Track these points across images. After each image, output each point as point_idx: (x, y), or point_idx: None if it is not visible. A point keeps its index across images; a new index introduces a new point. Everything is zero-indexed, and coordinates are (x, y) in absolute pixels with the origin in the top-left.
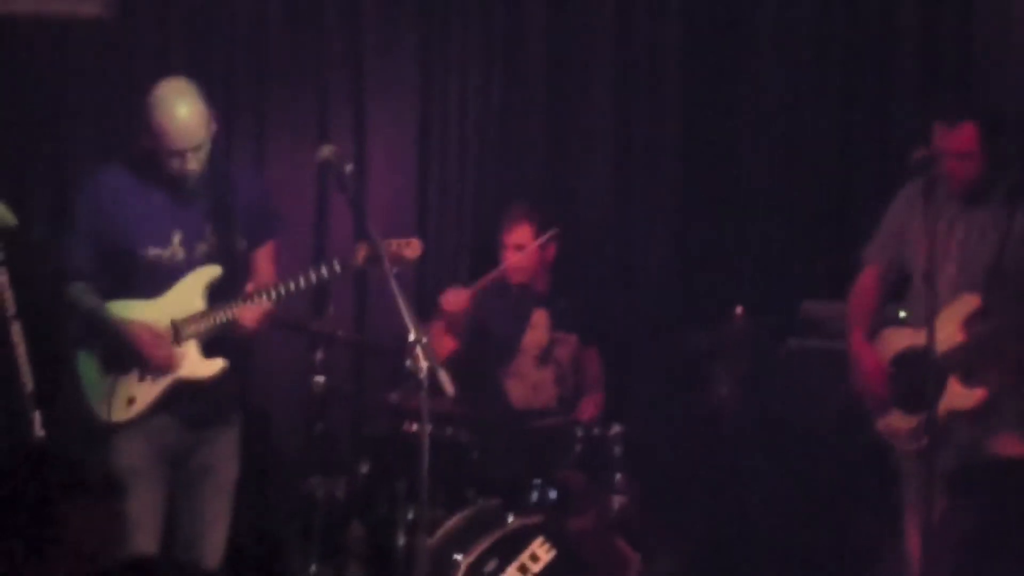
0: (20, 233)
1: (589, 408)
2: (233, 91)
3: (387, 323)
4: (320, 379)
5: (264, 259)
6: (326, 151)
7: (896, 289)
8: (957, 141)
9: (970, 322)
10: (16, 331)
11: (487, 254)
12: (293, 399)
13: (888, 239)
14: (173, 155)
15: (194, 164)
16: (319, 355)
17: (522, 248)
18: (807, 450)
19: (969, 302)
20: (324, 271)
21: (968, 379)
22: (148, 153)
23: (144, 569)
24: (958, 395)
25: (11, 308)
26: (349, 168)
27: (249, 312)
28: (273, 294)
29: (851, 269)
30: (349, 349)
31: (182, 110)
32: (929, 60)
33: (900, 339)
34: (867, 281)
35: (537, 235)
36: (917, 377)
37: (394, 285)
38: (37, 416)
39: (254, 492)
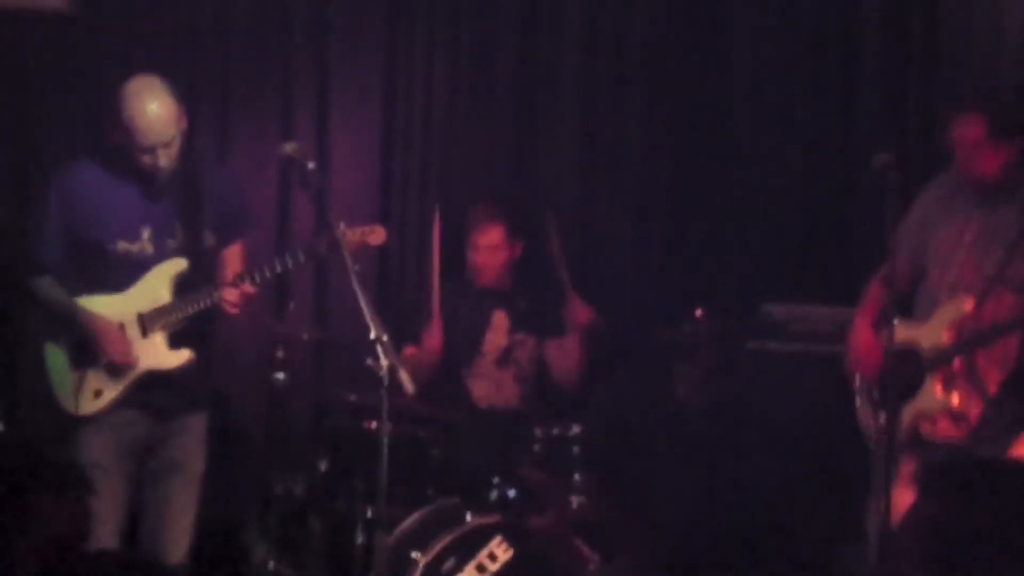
0: None
1: (584, 312)
2: (196, 85)
3: (348, 321)
4: (280, 376)
5: (233, 257)
6: (289, 147)
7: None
8: (964, 131)
9: (957, 325)
10: None
11: (451, 249)
12: (253, 395)
13: (910, 229)
14: (144, 151)
15: (164, 160)
16: (279, 352)
17: (494, 250)
18: (768, 451)
19: (961, 305)
20: (288, 260)
21: (948, 384)
22: (118, 148)
23: (108, 563)
24: (932, 398)
25: None
26: (312, 165)
27: (232, 294)
28: (257, 277)
29: (812, 272)
30: (310, 346)
31: (152, 106)
32: (893, 64)
33: (901, 333)
34: (892, 268)
35: (509, 236)
36: (901, 373)
37: (355, 282)
38: None
39: (213, 487)
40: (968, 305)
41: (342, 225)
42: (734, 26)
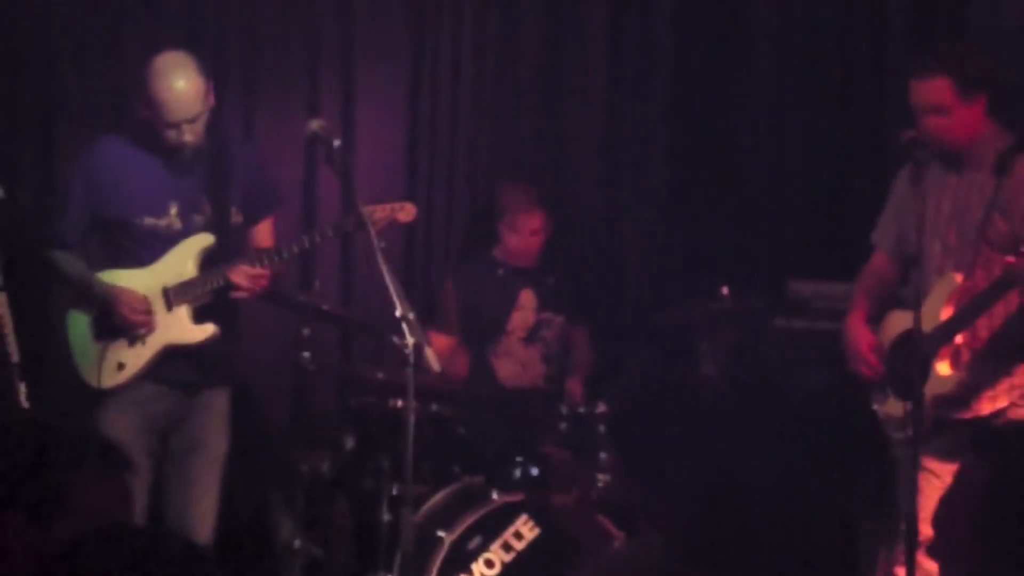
0: (6, 203)
1: (576, 390)
2: (222, 61)
3: (374, 299)
4: (306, 354)
5: (263, 234)
6: (315, 124)
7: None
8: (928, 93)
9: (952, 299)
10: (2, 302)
11: (480, 224)
12: (279, 374)
13: (890, 221)
14: (170, 127)
15: (190, 136)
16: (306, 331)
17: (537, 234)
18: (792, 429)
19: (952, 280)
20: (317, 236)
21: (955, 361)
22: (145, 123)
23: (137, 538)
24: (941, 380)
25: None
26: (338, 142)
27: (246, 272)
28: (276, 257)
29: (838, 249)
30: (336, 324)
31: (179, 82)
32: (921, 41)
33: (901, 322)
34: (874, 264)
35: (548, 219)
36: (908, 362)
37: (381, 259)
38: (22, 387)
39: (239, 466)
40: (959, 278)
41: (371, 204)
42: (758, 11)
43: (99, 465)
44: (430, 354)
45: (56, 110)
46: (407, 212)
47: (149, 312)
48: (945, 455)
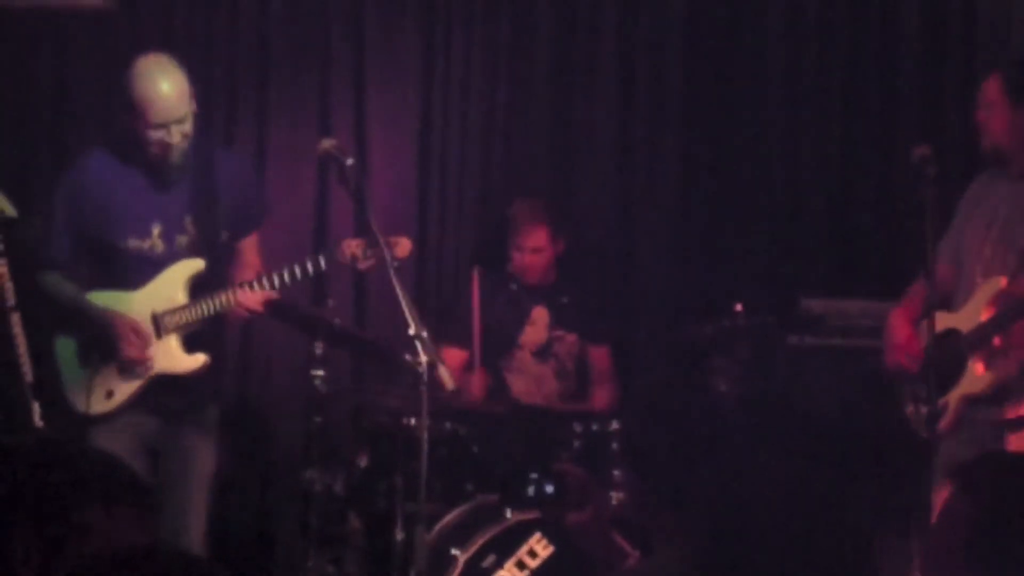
0: (20, 224)
1: (603, 398)
2: (235, 82)
3: (387, 316)
4: (319, 372)
5: (250, 250)
6: (327, 144)
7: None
8: (984, 87)
9: (995, 301)
10: (16, 321)
11: (491, 247)
12: (292, 392)
13: (950, 233)
14: (156, 128)
15: (177, 138)
16: (318, 349)
17: (540, 251)
18: (807, 447)
19: (996, 283)
20: (309, 265)
21: (990, 362)
22: (129, 134)
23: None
24: (974, 379)
25: (11, 299)
26: (350, 161)
27: (251, 296)
28: (276, 281)
29: (851, 266)
30: (348, 343)
31: (164, 83)
32: (931, 59)
33: (941, 322)
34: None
35: (553, 236)
36: (942, 361)
37: (394, 278)
38: (36, 407)
39: (251, 485)
40: (1003, 282)
41: (379, 232)
42: (769, 25)
43: (128, 501)
44: (444, 372)
45: (69, 130)
46: (403, 247)
47: (147, 346)
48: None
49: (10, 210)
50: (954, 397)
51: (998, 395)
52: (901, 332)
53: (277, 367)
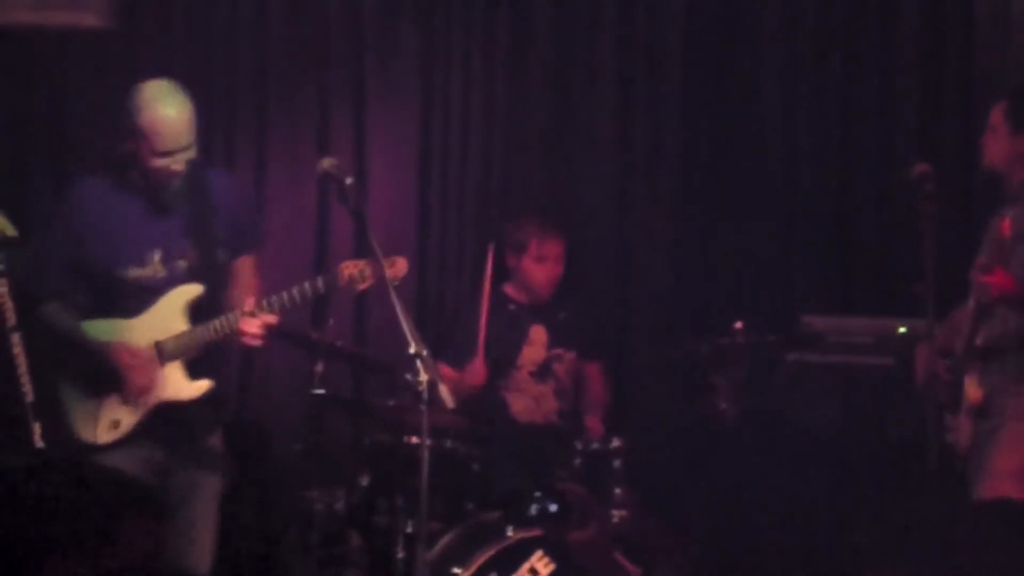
0: (20, 244)
1: (595, 427)
2: (234, 102)
3: (388, 336)
4: (320, 391)
5: (247, 270)
6: (326, 163)
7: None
8: (990, 115)
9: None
10: (16, 342)
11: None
12: (293, 411)
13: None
14: (161, 156)
15: (180, 165)
16: (319, 367)
17: (560, 261)
18: (807, 463)
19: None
20: (309, 289)
21: (982, 377)
22: (126, 159)
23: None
24: (970, 394)
25: (11, 319)
26: (350, 180)
27: (253, 323)
28: (276, 305)
29: (850, 284)
30: (349, 361)
31: (171, 110)
32: (930, 71)
33: (940, 340)
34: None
35: (566, 250)
36: (946, 380)
37: (394, 297)
38: (37, 427)
39: (253, 503)
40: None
41: (379, 252)
42: (765, 39)
43: (141, 509)
44: (444, 391)
45: (69, 152)
46: (398, 267)
47: (154, 374)
48: None
49: (11, 230)
50: (966, 416)
51: (986, 406)
52: (920, 359)
53: (277, 386)
